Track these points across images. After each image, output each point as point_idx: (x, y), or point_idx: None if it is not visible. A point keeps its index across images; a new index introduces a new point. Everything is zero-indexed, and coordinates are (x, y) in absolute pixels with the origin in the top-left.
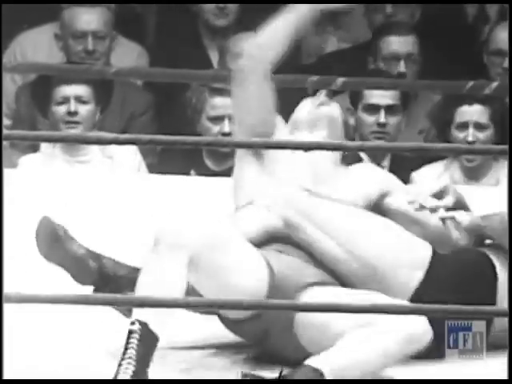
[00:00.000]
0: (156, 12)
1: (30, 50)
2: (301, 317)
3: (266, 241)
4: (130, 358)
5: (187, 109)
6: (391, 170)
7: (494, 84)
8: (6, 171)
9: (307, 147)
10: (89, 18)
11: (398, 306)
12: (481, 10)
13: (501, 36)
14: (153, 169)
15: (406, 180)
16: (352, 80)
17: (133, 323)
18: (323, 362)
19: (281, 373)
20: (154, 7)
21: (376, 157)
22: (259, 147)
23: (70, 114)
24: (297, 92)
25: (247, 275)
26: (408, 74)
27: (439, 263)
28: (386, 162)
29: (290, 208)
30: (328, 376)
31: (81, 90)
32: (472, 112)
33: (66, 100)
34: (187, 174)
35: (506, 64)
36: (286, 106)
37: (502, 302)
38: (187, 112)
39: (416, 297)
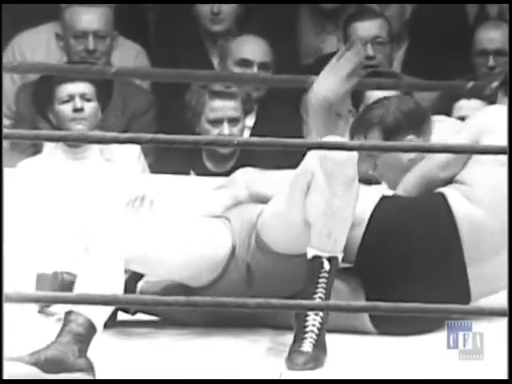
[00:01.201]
0: (157, 13)
1: (29, 51)
2: (261, 221)
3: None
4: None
5: (187, 111)
6: None
7: (495, 84)
8: (7, 171)
9: (309, 146)
10: (90, 18)
11: (394, 307)
12: (481, 9)
13: (483, 36)
14: (152, 169)
15: None
16: None
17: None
18: None
19: (281, 373)
20: (155, 8)
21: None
22: (259, 147)
23: (77, 110)
24: None
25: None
26: (378, 57)
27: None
28: None
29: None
30: None
31: (84, 87)
32: (470, 107)
33: (71, 98)
34: (187, 174)
35: (491, 63)
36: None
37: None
38: (187, 114)
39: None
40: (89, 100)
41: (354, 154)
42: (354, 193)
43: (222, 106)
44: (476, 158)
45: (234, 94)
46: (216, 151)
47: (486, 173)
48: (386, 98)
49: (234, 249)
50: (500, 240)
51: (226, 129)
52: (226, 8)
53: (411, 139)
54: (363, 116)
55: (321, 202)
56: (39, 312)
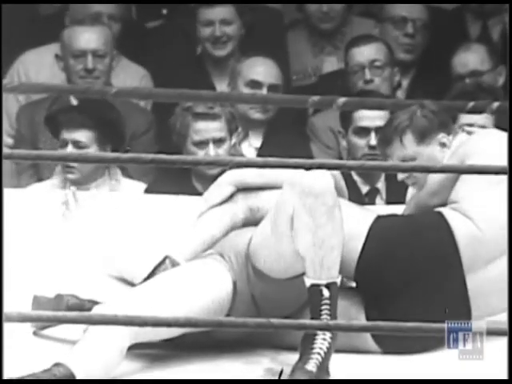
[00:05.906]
0: (160, 35)
1: (33, 70)
2: (253, 251)
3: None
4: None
5: (172, 134)
6: (387, 190)
7: (495, 104)
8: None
9: (309, 166)
10: (88, 37)
11: (395, 326)
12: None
13: (457, 61)
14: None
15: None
16: (353, 100)
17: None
18: None
19: (281, 373)
20: (158, 29)
21: (371, 178)
22: (259, 167)
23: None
24: None
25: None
26: (376, 81)
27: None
28: (380, 184)
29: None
30: None
31: (81, 135)
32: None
33: (65, 144)
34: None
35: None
36: None
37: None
38: (173, 137)
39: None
40: (83, 147)
41: (331, 182)
42: (338, 219)
43: (206, 128)
44: (462, 178)
45: (217, 114)
46: (205, 173)
47: (473, 190)
48: (407, 107)
49: (235, 284)
50: (493, 250)
51: (211, 150)
52: (231, 31)
53: (443, 137)
54: (392, 124)
55: (307, 234)
56: (34, 334)
